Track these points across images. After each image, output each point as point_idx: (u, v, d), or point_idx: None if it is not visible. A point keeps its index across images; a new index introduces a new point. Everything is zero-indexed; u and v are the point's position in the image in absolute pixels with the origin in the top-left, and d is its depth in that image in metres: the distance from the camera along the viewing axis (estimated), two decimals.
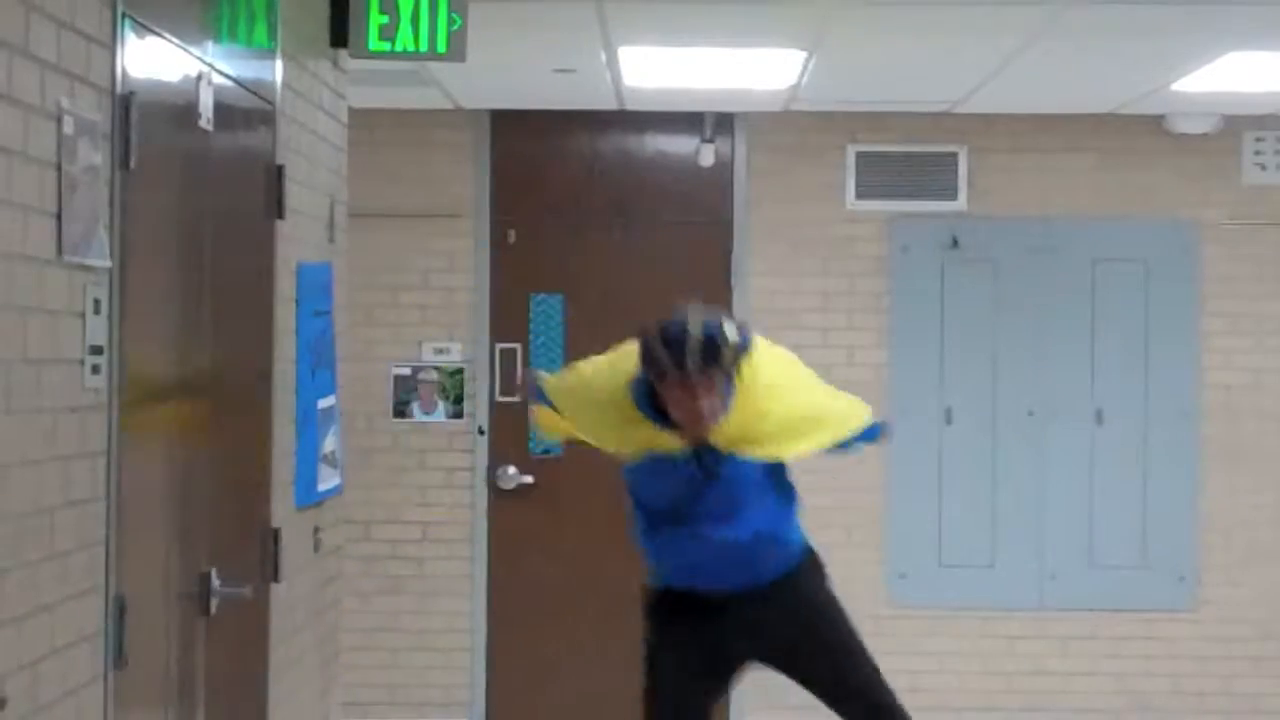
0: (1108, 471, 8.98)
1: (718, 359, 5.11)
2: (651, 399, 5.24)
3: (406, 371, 8.96)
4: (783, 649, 5.53)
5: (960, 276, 8.99)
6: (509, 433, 9.00)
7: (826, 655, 5.52)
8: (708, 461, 5.27)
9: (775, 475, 5.48)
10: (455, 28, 5.79)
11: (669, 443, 5.26)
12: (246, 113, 4.94)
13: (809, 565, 5.59)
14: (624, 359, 5.35)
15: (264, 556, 5.15)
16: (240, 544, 4.95)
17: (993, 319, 8.98)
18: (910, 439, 8.92)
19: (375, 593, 8.93)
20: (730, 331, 5.16)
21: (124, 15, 3.90)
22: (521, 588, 9.00)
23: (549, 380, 5.70)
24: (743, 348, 5.17)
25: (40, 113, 3.49)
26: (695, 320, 5.15)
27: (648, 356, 5.18)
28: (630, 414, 5.29)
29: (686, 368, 5.10)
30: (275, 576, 5.22)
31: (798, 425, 5.38)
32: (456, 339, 8.98)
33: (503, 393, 9.00)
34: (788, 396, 5.37)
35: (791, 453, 5.40)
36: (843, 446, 5.59)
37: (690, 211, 9.04)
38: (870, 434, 5.63)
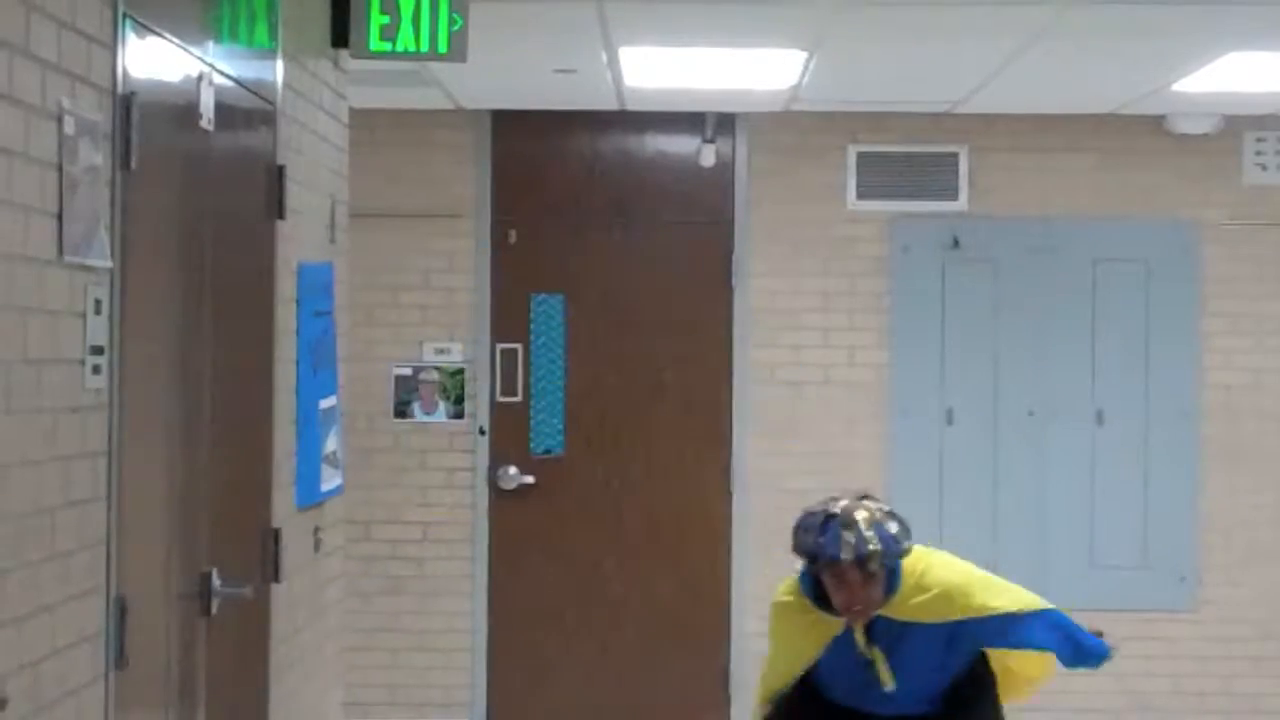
0: (1108, 472, 8.98)
1: (863, 565, 5.09)
2: (817, 591, 5.25)
3: (407, 372, 8.96)
4: None
5: (961, 277, 8.99)
6: (510, 433, 9.00)
7: None
8: (882, 632, 5.26)
9: (961, 657, 5.41)
10: (456, 28, 5.79)
11: (835, 627, 5.27)
12: (247, 113, 4.94)
13: (979, 670, 5.53)
14: (775, 617, 5.40)
15: (265, 557, 5.15)
16: (241, 544, 4.95)
17: (993, 319, 8.98)
18: (911, 439, 8.93)
19: (376, 593, 8.93)
20: (875, 537, 5.08)
21: (125, 15, 3.90)
22: (522, 588, 9.00)
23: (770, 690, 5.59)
24: (889, 549, 5.10)
25: (41, 113, 3.49)
26: (844, 523, 5.10)
27: (796, 548, 5.20)
28: (807, 620, 5.31)
29: (830, 568, 5.12)
30: (276, 577, 5.21)
31: (961, 593, 5.30)
32: (457, 339, 8.98)
33: (503, 393, 9.00)
34: (955, 572, 5.33)
35: (961, 609, 5.28)
36: (1062, 653, 5.46)
37: (691, 212, 9.04)
38: (1092, 652, 5.47)
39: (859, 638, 5.28)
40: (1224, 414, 9.01)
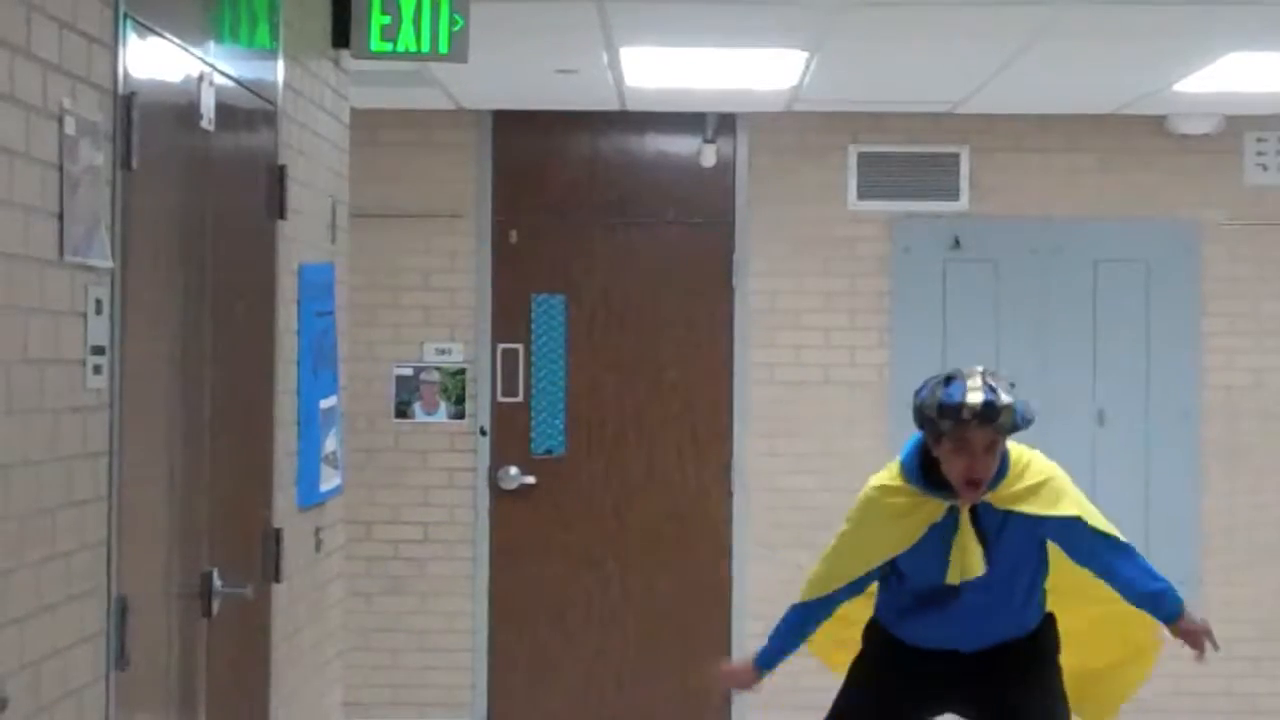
0: (1109, 472, 8.96)
1: (994, 419, 5.11)
2: (924, 474, 5.25)
3: (408, 372, 8.96)
4: (991, 697, 5.49)
5: (962, 277, 8.99)
6: (511, 433, 9.00)
7: (1031, 700, 5.49)
8: (984, 521, 5.27)
9: (1042, 562, 5.46)
10: (457, 28, 5.79)
11: (936, 513, 5.27)
12: (248, 113, 4.95)
13: (1046, 627, 5.57)
14: (868, 501, 5.36)
15: (265, 557, 5.15)
16: (242, 544, 4.95)
17: (994, 319, 8.98)
18: None
19: (377, 593, 8.93)
20: (1006, 394, 5.15)
21: (125, 15, 3.90)
22: (523, 588, 9.00)
23: (810, 581, 5.55)
24: (1019, 408, 5.16)
25: (42, 113, 3.49)
26: (974, 382, 5.15)
27: (923, 419, 5.20)
28: (906, 503, 5.29)
29: (965, 424, 5.11)
30: (277, 577, 5.22)
31: (1063, 491, 5.37)
32: (458, 339, 8.98)
33: (504, 393, 9.00)
34: (1057, 471, 5.41)
35: (1062, 509, 5.35)
36: (1137, 588, 5.48)
37: (692, 212, 9.04)
38: (1171, 605, 5.46)
39: (964, 520, 5.22)
40: (1225, 414, 9.01)
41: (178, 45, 4.30)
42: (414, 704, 8.97)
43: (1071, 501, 5.35)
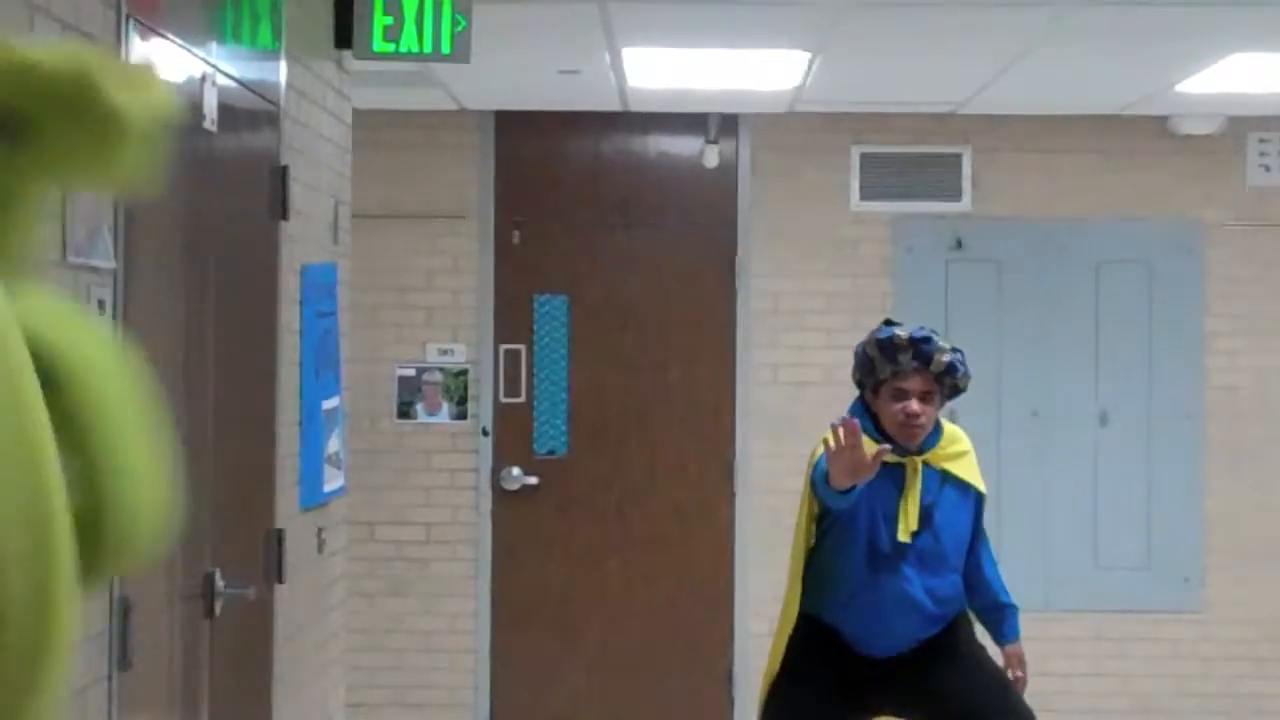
0: (1112, 473, 8.97)
1: (929, 354, 5.28)
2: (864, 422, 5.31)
3: (411, 372, 8.96)
4: (946, 700, 5.52)
5: (964, 278, 8.98)
6: (513, 434, 9.00)
7: (993, 688, 5.54)
8: (926, 480, 5.38)
9: (974, 538, 5.60)
10: (460, 29, 5.80)
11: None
12: (250, 114, 4.95)
13: (965, 616, 5.65)
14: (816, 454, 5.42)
15: (268, 557, 5.16)
16: (244, 545, 4.95)
17: (997, 320, 8.97)
18: None
19: (379, 594, 8.93)
20: (943, 341, 5.37)
21: (128, 16, 3.90)
22: (525, 589, 9.00)
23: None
24: (957, 362, 5.33)
25: None
26: (906, 326, 5.40)
27: (863, 361, 5.39)
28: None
29: (900, 364, 5.29)
30: (279, 577, 5.22)
31: (977, 468, 5.58)
32: (461, 340, 8.98)
33: (507, 394, 9.01)
34: (974, 456, 5.59)
35: (980, 483, 5.56)
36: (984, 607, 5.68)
37: (694, 213, 9.04)
38: (1015, 623, 5.73)
39: (913, 475, 5.32)
40: (1227, 415, 9.00)
41: (180, 46, 4.30)
42: (417, 705, 8.97)
43: (981, 482, 5.56)
